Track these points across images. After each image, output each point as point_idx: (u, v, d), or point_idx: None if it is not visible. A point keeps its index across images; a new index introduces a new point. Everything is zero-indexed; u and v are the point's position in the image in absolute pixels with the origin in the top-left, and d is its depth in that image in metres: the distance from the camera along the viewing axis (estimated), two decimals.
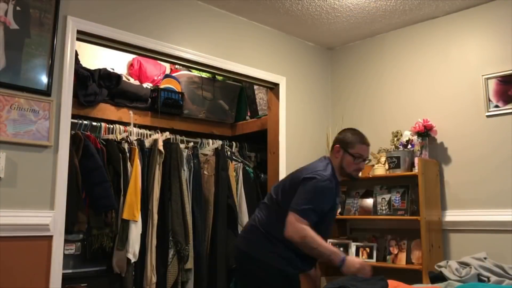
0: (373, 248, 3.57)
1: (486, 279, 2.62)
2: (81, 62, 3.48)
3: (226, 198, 3.68)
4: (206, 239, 3.62)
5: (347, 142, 2.50)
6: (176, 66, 4.04)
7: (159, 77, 4.02)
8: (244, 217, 3.78)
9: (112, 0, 2.92)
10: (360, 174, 2.52)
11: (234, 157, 3.97)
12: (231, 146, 4.05)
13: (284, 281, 2.38)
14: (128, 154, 3.31)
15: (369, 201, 3.67)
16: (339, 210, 2.81)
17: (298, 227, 2.25)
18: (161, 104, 3.72)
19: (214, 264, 3.57)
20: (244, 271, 2.57)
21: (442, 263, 2.89)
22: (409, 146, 3.47)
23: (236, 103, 4.34)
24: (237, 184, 3.87)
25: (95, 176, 3.07)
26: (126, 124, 3.53)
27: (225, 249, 3.60)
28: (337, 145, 2.52)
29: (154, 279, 3.23)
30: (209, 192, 3.69)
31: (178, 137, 3.74)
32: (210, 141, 3.92)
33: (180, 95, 3.88)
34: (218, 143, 3.91)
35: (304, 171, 2.46)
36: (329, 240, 3.83)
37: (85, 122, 3.29)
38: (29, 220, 2.43)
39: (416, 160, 3.33)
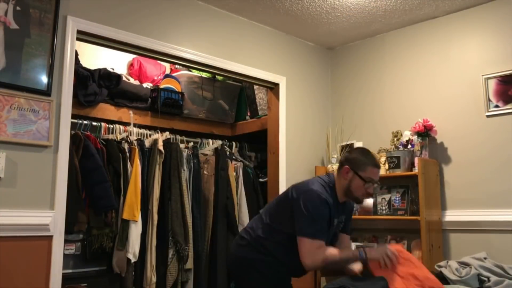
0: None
1: (486, 279, 2.62)
2: (81, 62, 3.48)
3: (225, 198, 3.68)
4: (206, 239, 3.61)
5: (359, 164, 2.29)
6: (176, 66, 4.04)
7: (159, 77, 4.02)
8: (244, 217, 3.76)
9: (112, 0, 2.92)
10: (367, 197, 2.38)
11: (233, 157, 3.97)
12: (231, 146, 4.05)
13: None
14: (128, 154, 3.31)
15: (369, 201, 3.67)
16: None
17: (316, 253, 2.17)
18: (161, 104, 3.72)
19: (214, 264, 3.56)
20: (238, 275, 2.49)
21: (442, 263, 2.90)
22: (409, 146, 3.47)
23: (236, 103, 4.34)
24: (237, 183, 3.87)
25: (95, 176, 3.07)
26: (126, 124, 3.54)
27: (225, 249, 3.60)
28: (347, 166, 2.31)
29: (154, 279, 3.23)
30: (209, 192, 3.68)
31: (178, 137, 3.74)
32: (210, 141, 3.92)
33: (180, 95, 3.89)
34: (218, 143, 3.91)
35: (294, 190, 2.33)
36: None
37: (85, 122, 3.29)
38: (29, 220, 2.43)
39: (416, 160, 3.33)
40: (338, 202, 2.34)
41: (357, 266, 2.28)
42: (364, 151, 2.45)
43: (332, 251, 2.23)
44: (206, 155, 3.80)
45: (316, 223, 2.19)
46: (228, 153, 3.91)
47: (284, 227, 2.28)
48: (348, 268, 2.29)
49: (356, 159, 2.33)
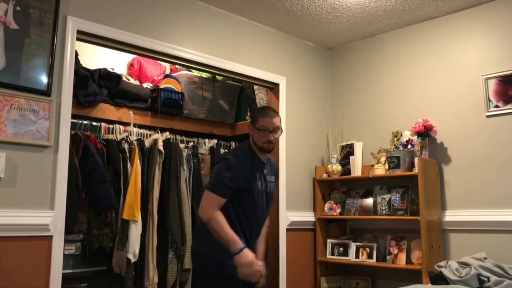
0: (373, 248, 3.57)
1: (486, 279, 2.62)
2: (81, 62, 3.48)
3: None
4: None
5: (253, 118, 2.56)
6: (176, 66, 4.04)
7: (159, 77, 4.02)
8: None
9: (112, 0, 2.92)
10: (273, 146, 2.52)
11: None
12: (230, 146, 4.05)
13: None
14: (128, 154, 3.31)
15: (369, 201, 3.67)
16: (262, 188, 2.55)
17: (207, 207, 2.33)
18: (161, 104, 3.72)
19: None
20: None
21: (442, 263, 2.89)
22: (409, 146, 3.47)
23: (236, 103, 4.34)
24: None
25: (95, 176, 3.07)
26: (126, 124, 3.53)
27: None
28: (249, 124, 2.58)
29: (156, 279, 3.22)
30: None
31: (178, 137, 3.74)
32: (207, 140, 3.91)
33: (180, 95, 3.88)
34: (214, 142, 3.90)
35: None
36: (329, 240, 3.84)
37: (85, 122, 3.29)
38: (29, 220, 2.43)
39: (416, 160, 3.33)
40: (260, 160, 2.53)
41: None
42: (261, 107, 2.78)
43: (220, 219, 2.31)
44: (202, 154, 3.79)
45: (220, 178, 2.38)
46: (224, 152, 3.90)
47: None
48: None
49: (252, 116, 2.65)
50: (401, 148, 3.49)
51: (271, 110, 2.58)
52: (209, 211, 2.31)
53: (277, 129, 2.49)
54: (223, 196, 2.34)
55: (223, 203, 2.35)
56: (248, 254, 2.27)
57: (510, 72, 3.15)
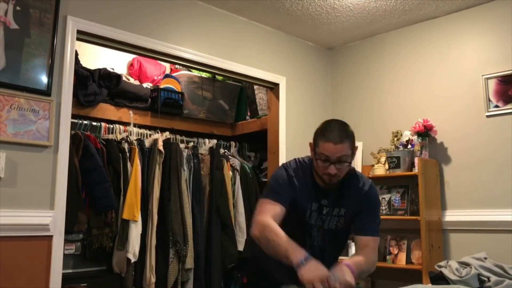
0: None
1: (486, 279, 2.62)
2: (81, 62, 3.48)
3: (219, 198, 3.67)
4: (204, 238, 3.61)
5: (314, 137, 1.89)
6: (176, 66, 4.04)
7: (159, 77, 4.02)
8: (241, 217, 3.76)
9: (112, 0, 2.92)
10: (337, 179, 1.85)
11: (230, 156, 3.95)
12: (229, 146, 4.04)
13: None
14: (128, 154, 3.31)
15: None
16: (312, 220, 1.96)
17: (257, 218, 1.82)
18: (161, 104, 3.72)
19: (209, 264, 3.55)
20: None
21: (442, 263, 2.89)
22: (409, 146, 3.47)
23: (236, 103, 4.34)
24: (234, 183, 3.85)
25: (95, 176, 3.07)
26: (126, 124, 3.54)
27: (220, 249, 3.59)
28: (310, 143, 1.92)
29: (153, 279, 3.22)
30: (204, 192, 3.68)
31: (178, 137, 3.74)
32: (207, 140, 3.91)
33: (180, 95, 3.89)
34: (213, 142, 3.90)
35: None
36: None
37: (85, 122, 3.30)
38: (29, 220, 2.43)
39: (416, 160, 3.33)
40: (316, 185, 1.94)
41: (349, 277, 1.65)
42: (327, 122, 1.93)
43: (276, 227, 1.73)
44: (202, 154, 3.79)
45: (271, 186, 1.93)
46: (225, 152, 3.91)
47: None
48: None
49: (315, 132, 1.91)
50: (401, 148, 3.49)
51: (337, 132, 1.82)
52: (261, 221, 1.76)
53: (343, 158, 1.81)
54: (275, 199, 1.82)
55: (280, 212, 1.79)
56: (317, 268, 1.60)
57: (510, 72, 3.15)
